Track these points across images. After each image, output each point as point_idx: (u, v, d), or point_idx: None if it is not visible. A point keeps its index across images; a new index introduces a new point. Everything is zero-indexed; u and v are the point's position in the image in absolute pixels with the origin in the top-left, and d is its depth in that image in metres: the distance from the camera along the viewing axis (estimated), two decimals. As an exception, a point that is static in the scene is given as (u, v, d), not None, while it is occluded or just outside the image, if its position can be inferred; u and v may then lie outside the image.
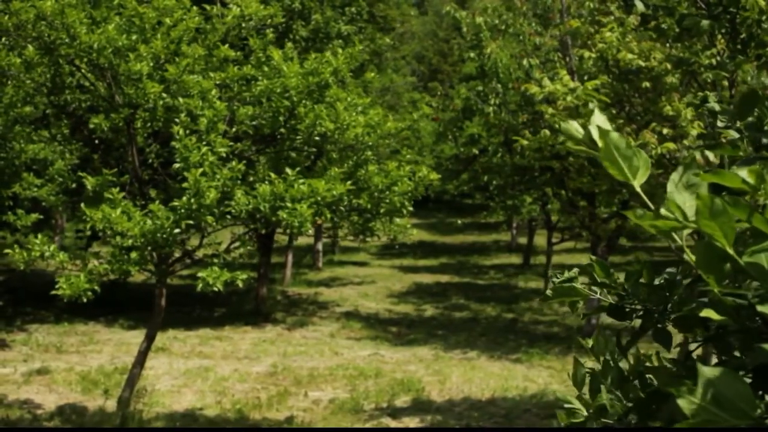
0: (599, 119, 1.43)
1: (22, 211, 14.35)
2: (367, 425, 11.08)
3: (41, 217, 15.01)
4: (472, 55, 17.94)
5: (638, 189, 1.43)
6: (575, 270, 2.42)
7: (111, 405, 11.64)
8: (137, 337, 17.00)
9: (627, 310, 2.05)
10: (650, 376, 2.18)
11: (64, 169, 13.39)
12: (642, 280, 2.33)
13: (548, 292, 2.34)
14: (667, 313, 2.08)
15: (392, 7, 25.99)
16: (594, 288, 2.27)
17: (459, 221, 22.46)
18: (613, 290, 2.09)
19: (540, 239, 31.17)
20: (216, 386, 12.96)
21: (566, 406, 1.85)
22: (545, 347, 16.44)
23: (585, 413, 1.79)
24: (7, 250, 8.74)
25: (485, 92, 17.63)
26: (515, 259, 30.74)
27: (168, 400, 12.15)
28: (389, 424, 11.09)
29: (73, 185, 9.84)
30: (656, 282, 2.24)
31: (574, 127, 1.46)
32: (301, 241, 30.41)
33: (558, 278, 2.37)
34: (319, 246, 28.27)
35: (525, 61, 15.46)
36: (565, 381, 13.72)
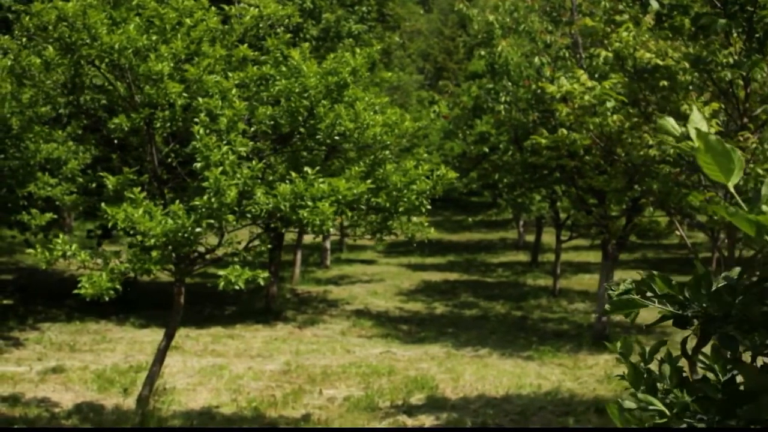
0: (697, 118, 1.47)
1: (36, 211, 14.45)
2: (384, 423, 11.13)
3: (55, 216, 15.10)
4: (482, 53, 17.96)
5: (732, 189, 1.47)
6: (629, 281, 2.46)
7: (128, 403, 11.71)
8: (149, 335, 17.09)
9: (689, 316, 2.09)
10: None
11: (77, 169, 13.48)
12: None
13: (607, 306, 2.37)
14: (729, 317, 2.10)
15: (399, 5, 26.01)
16: (651, 297, 2.28)
17: (470, 219, 22.47)
18: (673, 299, 2.12)
19: (547, 237, 31.20)
20: (231, 384, 13.02)
21: (650, 408, 1.88)
22: (556, 345, 16.48)
23: (668, 413, 1.82)
24: (29, 250, 8.78)
25: (496, 90, 17.66)
26: (522, 257, 30.76)
27: (184, 398, 12.21)
28: (406, 422, 11.14)
29: (93, 185, 9.89)
30: (716, 287, 2.25)
31: (671, 123, 1.50)
32: (308, 239, 30.46)
33: (614, 290, 2.40)
34: (327, 244, 28.32)
35: (536, 59, 15.49)
36: (578, 378, 13.77)
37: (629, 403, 2.40)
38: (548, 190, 20.71)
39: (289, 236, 24.77)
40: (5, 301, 19.82)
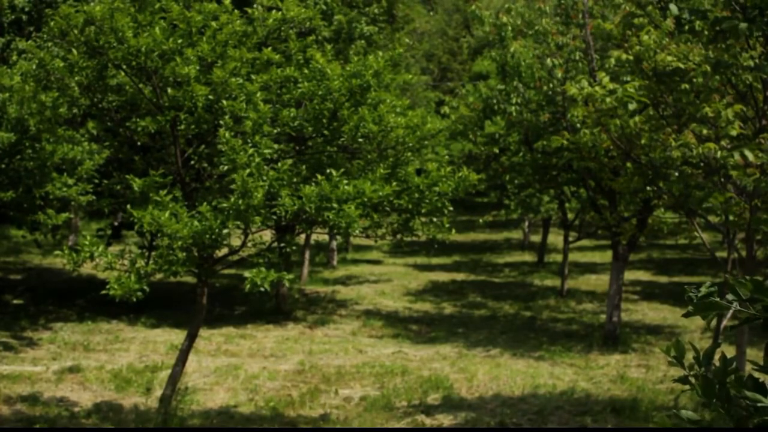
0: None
1: (52, 211, 14.51)
2: (402, 423, 11.21)
3: (72, 216, 15.16)
4: (493, 54, 18.04)
5: None
6: (707, 285, 2.53)
7: (146, 402, 11.79)
8: (161, 335, 17.15)
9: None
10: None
11: (92, 169, 13.54)
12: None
13: (690, 308, 2.44)
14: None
15: (408, 7, 26.06)
16: (734, 301, 2.34)
17: (481, 220, 22.61)
18: (759, 302, 2.19)
19: (551, 237, 31.28)
20: (247, 384, 13.09)
21: (759, 405, 1.96)
22: (567, 345, 16.55)
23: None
24: (56, 252, 8.83)
25: (507, 91, 17.75)
26: (528, 257, 30.83)
27: (202, 397, 12.28)
28: (424, 422, 11.22)
29: (118, 186, 9.97)
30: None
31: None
32: (313, 238, 30.45)
33: (695, 294, 2.48)
34: (334, 244, 28.39)
35: (549, 61, 15.57)
36: (591, 378, 13.85)
37: (691, 414, 2.46)
38: (557, 190, 20.80)
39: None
40: (16, 301, 19.89)
